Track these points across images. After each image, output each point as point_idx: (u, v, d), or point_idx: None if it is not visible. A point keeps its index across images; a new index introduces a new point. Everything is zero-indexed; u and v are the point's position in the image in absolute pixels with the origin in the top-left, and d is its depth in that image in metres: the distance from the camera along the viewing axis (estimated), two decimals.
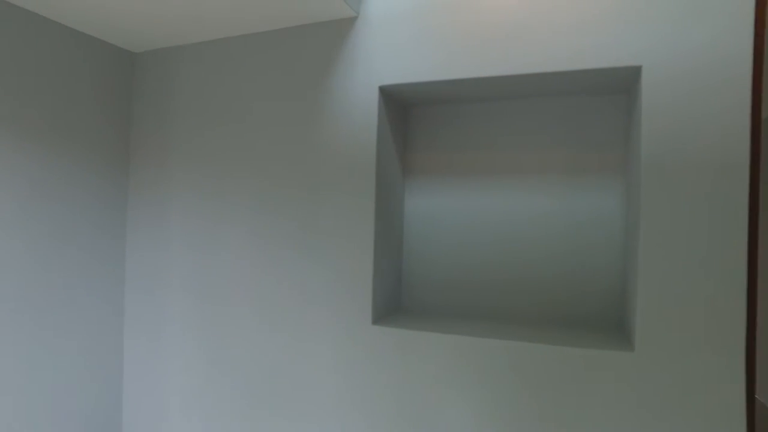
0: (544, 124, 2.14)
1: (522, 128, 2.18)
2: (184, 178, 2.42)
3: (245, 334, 2.26)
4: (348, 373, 2.05)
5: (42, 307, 2.15)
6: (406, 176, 2.38)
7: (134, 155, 2.56)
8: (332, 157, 2.10)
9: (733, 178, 1.57)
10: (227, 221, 2.31)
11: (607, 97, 2.05)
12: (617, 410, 1.67)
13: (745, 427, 1.53)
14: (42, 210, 2.14)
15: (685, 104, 1.61)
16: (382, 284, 2.12)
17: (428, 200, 2.33)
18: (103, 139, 2.42)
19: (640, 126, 1.69)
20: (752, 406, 1.55)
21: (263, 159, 2.24)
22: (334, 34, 2.11)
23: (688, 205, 1.61)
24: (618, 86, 1.93)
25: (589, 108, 2.08)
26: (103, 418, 2.44)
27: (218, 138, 2.34)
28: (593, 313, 2.06)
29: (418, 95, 2.17)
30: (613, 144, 2.04)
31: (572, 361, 1.73)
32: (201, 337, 2.36)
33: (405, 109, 2.35)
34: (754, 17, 1.55)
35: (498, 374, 1.82)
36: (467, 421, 1.86)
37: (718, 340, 1.57)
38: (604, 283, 2.05)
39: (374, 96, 2.02)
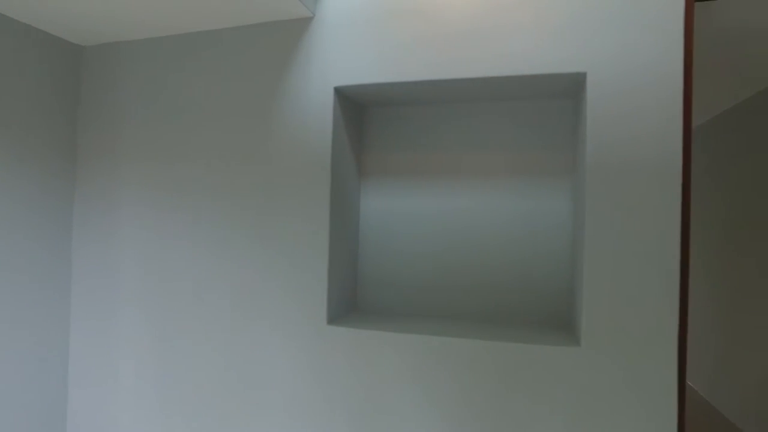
0: (497, 127, 2.21)
1: (475, 131, 2.24)
2: (133, 172, 2.35)
3: (197, 331, 2.22)
4: (304, 373, 2.05)
5: None
6: (362, 177, 2.39)
7: (82, 148, 2.46)
8: (287, 156, 2.09)
9: (668, 181, 1.67)
10: (178, 217, 2.26)
11: (556, 101, 2.14)
12: (565, 401, 1.75)
13: (677, 408, 1.66)
14: None
15: (626, 110, 1.71)
16: (337, 285, 2.13)
17: (384, 201, 2.36)
18: (49, 132, 2.31)
19: (585, 130, 1.78)
20: (683, 390, 1.68)
21: (215, 156, 2.20)
22: (289, 34, 2.10)
23: (629, 207, 1.71)
24: (566, 91, 2.01)
25: (540, 112, 2.16)
26: (47, 409, 2.34)
27: (169, 133, 2.29)
28: (544, 311, 2.14)
29: (374, 96, 2.19)
30: (562, 147, 2.13)
31: (523, 358, 1.79)
32: (152, 335, 2.29)
33: (360, 110, 2.37)
34: (683, 31, 1.66)
35: (453, 372, 1.86)
36: (423, 419, 1.89)
37: (654, 333, 1.68)
38: (555, 282, 2.13)
39: (329, 96, 2.03)
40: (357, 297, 2.38)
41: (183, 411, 2.23)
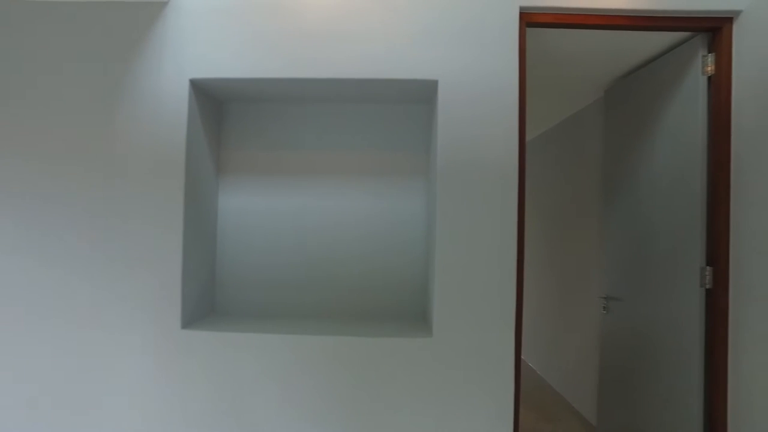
0: (356, 128, 2.28)
1: (335, 131, 2.28)
2: None
3: (40, 337, 1.93)
4: (159, 380, 1.90)
5: None
6: (220, 175, 2.29)
7: None
8: (136, 151, 1.92)
9: (507, 183, 1.88)
10: (7, 214, 1.95)
11: (411, 106, 2.27)
12: (420, 386, 1.88)
13: (513, 380, 1.88)
14: None
15: (472, 117, 1.89)
16: (193, 287, 2.01)
17: (244, 199, 2.28)
18: None
19: (436, 134, 1.92)
20: (518, 365, 1.92)
21: (47, 149, 1.94)
22: (140, 18, 1.94)
23: (474, 206, 1.89)
24: (420, 97, 2.15)
25: (397, 115, 2.28)
26: None
27: None
28: (402, 305, 2.26)
29: (234, 92, 2.11)
30: (417, 149, 2.27)
31: (380, 351, 1.87)
32: None
33: (219, 105, 2.27)
34: (518, 51, 1.89)
35: (313, 369, 1.88)
36: (286, 417, 1.88)
37: (496, 318, 1.88)
38: (411, 277, 2.26)
39: (184, 89, 1.91)
40: (216, 299, 2.27)
41: (33, 416, 1.93)
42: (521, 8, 1.90)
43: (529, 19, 1.93)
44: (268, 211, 2.28)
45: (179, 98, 1.91)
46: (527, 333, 4.98)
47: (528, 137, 5.06)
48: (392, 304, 2.26)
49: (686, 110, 2.12)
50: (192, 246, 1.99)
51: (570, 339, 3.93)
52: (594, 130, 3.48)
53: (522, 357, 5.11)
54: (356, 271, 2.26)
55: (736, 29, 1.94)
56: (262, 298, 2.27)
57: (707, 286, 2.01)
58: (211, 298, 2.23)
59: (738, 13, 1.92)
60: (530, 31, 2.08)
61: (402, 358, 1.87)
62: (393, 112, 2.27)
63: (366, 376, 1.87)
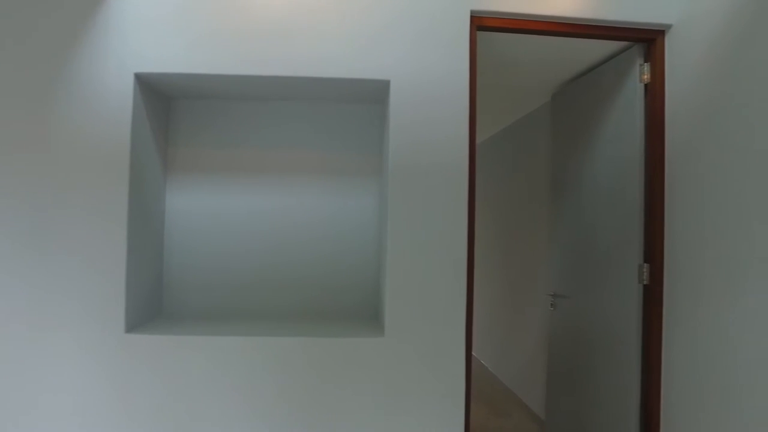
0: (310, 127, 2.27)
1: (288, 130, 2.26)
2: None
3: None
4: (101, 384, 1.82)
5: None
6: (168, 173, 2.23)
7: None
8: (76, 148, 1.83)
9: (457, 184, 1.92)
10: None
11: (365, 105, 2.28)
12: (374, 384, 1.88)
13: (465, 377, 1.93)
14: None
15: (423, 118, 1.92)
16: (138, 289, 1.94)
17: (193, 198, 2.23)
18: None
19: (389, 134, 1.94)
20: (469, 362, 1.96)
21: None
22: (80, 6, 1.85)
23: (425, 207, 1.92)
24: (374, 97, 2.17)
25: (351, 115, 2.28)
26: None
27: None
28: (356, 305, 2.27)
29: (183, 88, 2.06)
30: (371, 149, 2.28)
31: (334, 351, 1.87)
32: None
33: (167, 101, 2.20)
34: (469, 53, 1.94)
35: (265, 370, 1.85)
36: (237, 422, 1.84)
37: (447, 316, 1.91)
38: (365, 278, 2.27)
39: (129, 83, 1.84)
40: (164, 301, 2.20)
41: None
42: (472, 12, 1.95)
43: (479, 23, 1.98)
44: (219, 210, 2.23)
45: (123, 92, 1.84)
46: (480, 330, 5.09)
47: (480, 138, 5.17)
48: (345, 305, 2.26)
49: (625, 116, 2.24)
50: (138, 246, 1.92)
51: (520, 336, 4.05)
52: (542, 133, 3.60)
53: (474, 354, 5.22)
54: (309, 272, 2.25)
55: (668, 41, 2.07)
56: (213, 299, 2.22)
57: (645, 282, 2.12)
58: (158, 300, 2.16)
59: (669, 26, 2.05)
60: (483, 35, 2.13)
61: (354, 358, 1.87)
62: (347, 111, 2.28)
63: (318, 377, 1.86)
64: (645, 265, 2.12)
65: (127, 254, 1.84)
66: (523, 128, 4.06)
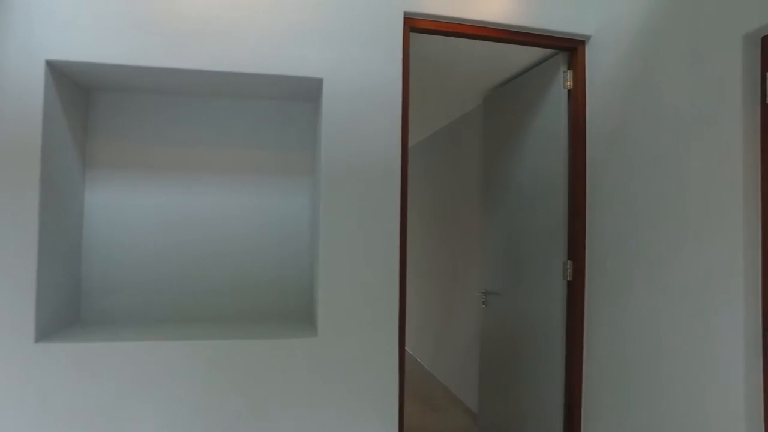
0: (241, 125, 2.20)
1: (219, 126, 2.18)
2: None
3: None
4: (11, 401, 1.66)
5: None
6: (89, 169, 2.08)
7: None
8: None
9: (390, 184, 1.94)
10: None
11: (299, 103, 2.24)
12: (308, 384, 1.86)
13: (398, 375, 1.95)
14: None
15: (356, 117, 1.91)
16: (51, 295, 1.80)
17: (115, 196, 2.09)
18: None
19: (321, 133, 1.92)
20: (402, 360, 1.98)
21: None
22: None
23: (357, 206, 1.91)
24: (307, 95, 2.14)
25: (284, 112, 2.24)
26: None
27: None
28: (290, 306, 2.22)
29: (104, 79, 1.93)
30: (305, 148, 2.25)
31: (266, 352, 1.83)
32: None
33: (86, 92, 2.06)
34: (402, 54, 1.96)
35: (194, 375, 1.78)
36: (164, 429, 1.75)
37: (380, 316, 1.93)
38: (299, 278, 2.23)
39: (39, 71, 1.70)
40: (81, 306, 2.05)
41: None
42: (406, 14, 1.97)
43: (413, 25, 2.00)
44: (145, 209, 2.11)
45: (33, 81, 1.69)
46: (416, 329, 5.16)
47: (416, 139, 5.25)
48: (279, 306, 2.21)
49: (550, 120, 2.35)
50: (50, 247, 1.77)
51: (454, 333, 4.15)
52: (475, 135, 3.71)
53: (411, 352, 5.29)
54: (241, 273, 2.18)
55: (588, 51, 2.20)
56: (139, 304, 2.09)
57: (568, 279, 2.24)
58: (76, 305, 2.01)
59: (589, 37, 2.18)
60: (417, 37, 2.15)
61: (287, 360, 1.84)
62: (280, 109, 2.23)
63: (251, 380, 1.81)
64: (569, 262, 2.23)
65: (38, 256, 1.69)
66: (456, 130, 4.16)
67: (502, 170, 2.79)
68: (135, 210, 2.10)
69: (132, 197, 2.10)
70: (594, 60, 2.16)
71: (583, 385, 2.17)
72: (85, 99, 2.06)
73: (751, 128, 1.46)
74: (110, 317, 2.08)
